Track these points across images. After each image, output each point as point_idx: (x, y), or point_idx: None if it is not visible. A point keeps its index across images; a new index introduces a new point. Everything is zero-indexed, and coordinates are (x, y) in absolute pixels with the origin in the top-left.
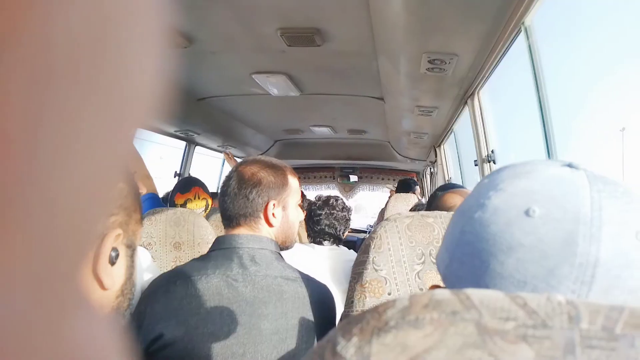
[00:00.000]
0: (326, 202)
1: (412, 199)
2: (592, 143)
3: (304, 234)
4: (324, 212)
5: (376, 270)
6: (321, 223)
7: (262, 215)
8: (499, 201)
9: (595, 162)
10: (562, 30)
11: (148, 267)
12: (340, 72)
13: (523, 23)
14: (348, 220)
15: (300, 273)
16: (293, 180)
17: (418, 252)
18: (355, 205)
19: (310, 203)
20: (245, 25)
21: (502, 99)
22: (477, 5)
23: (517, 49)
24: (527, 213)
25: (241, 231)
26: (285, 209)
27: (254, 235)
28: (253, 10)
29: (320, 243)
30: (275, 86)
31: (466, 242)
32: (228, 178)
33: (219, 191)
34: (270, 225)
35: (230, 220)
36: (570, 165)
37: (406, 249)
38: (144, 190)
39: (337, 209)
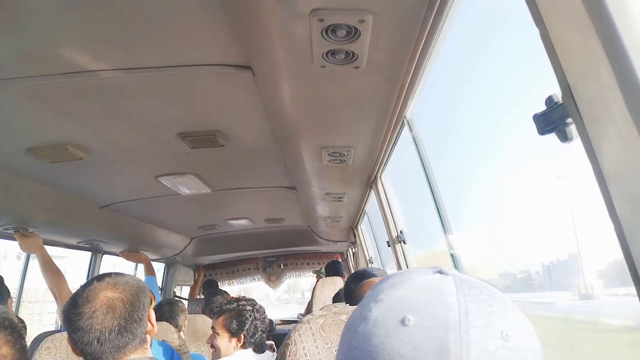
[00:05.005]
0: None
1: (338, 282)
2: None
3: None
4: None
5: None
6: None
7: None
8: (378, 312)
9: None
10: (441, 120)
11: None
12: (249, 167)
13: (405, 117)
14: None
15: None
16: None
17: (335, 353)
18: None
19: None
20: (145, 134)
21: (403, 183)
22: (361, 104)
23: (405, 137)
24: (402, 322)
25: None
26: None
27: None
28: (151, 120)
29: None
30: (184, 186)
31: (353, 357)
32: (84, 314)
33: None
34: (153, 332)
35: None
36: (440, 272)
37: (323, 351)
38: None
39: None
